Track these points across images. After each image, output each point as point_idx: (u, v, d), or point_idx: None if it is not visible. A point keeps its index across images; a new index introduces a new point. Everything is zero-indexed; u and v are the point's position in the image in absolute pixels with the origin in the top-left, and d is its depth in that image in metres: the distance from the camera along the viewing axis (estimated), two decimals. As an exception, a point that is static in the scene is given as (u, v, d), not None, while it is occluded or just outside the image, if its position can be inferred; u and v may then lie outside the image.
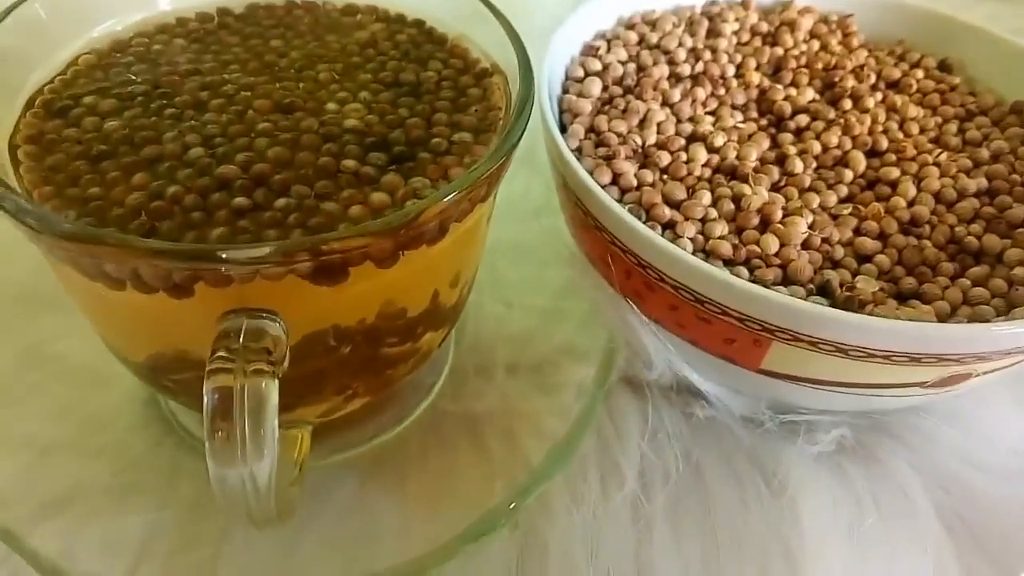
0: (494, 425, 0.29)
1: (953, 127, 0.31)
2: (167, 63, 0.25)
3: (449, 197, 0.19)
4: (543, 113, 0.26)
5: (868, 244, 0.26)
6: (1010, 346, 0.21)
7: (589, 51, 0.32)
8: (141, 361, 0.24)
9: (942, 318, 0.24)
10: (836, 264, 0.25)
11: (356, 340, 0.23)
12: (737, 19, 0.34)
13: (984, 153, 0.29)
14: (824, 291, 0.24)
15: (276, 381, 0.19)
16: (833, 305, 0.24)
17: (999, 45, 0.33)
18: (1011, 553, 0.23)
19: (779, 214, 0.25)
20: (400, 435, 0.29)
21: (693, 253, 0.24)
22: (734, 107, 0.31)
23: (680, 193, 0.25)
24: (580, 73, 0.30)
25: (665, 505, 0.24)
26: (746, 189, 0.26)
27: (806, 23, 0.34)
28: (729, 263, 0.24)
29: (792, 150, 0.29)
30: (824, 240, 0.26)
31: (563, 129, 0.29)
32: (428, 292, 0.24)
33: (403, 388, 0.30)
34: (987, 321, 0.23)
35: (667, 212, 0.25)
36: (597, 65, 0.31)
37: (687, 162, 0.27)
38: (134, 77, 0.24)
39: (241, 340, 0.19)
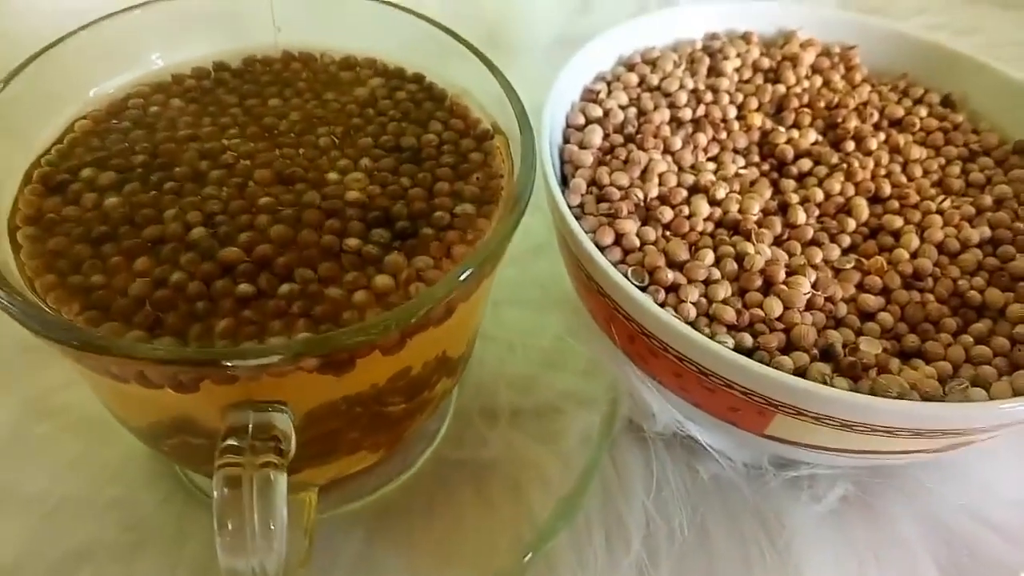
0: (499, 474, 0.29)
1: (956, 168, 0.31)
2: (165, 128, 0.25)
3: (454, 289, 0.19)
4: (545, 173, 0.26)
5: (871, 301, 0.26)
6: (1010, 420, 0.21)
7: (589, 96, 0.31)
8: (142, 427, 0.24)
9: (943, 379, 0.24)
10: (839, 322, 0.25)
11: (367, 402, 0.23)
12: (739, 55, 0.34)
13: (987, 199, 0.29)
14: (827, 355, 0.24)
15: (284, 473, 0.19)
16: (836, 369, 0.24)
17: (1002, 80, 0.32)
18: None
19: (782, 274, 0.25)
20: (405, 484, 0.30)
21: (696, 318, 0.24)
22: (736, 151, 0.31)
23: (683, 253, 0.25)
24: (581, 120, 0.30)
25: (670, 568, 0.24)
26: (749, 248, 0.26)
27: (808, 57, 0.34)
28: (733, 327, 0.24)
29: (795, 198, 0.29)
30: (827, 299, 0.26)
31: (564, 180, 0.29)
32: (436, 354, 0.24)
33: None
34: (989, 384, 0.23)
35: (670, 276, 0.25)
36: (598, 111, 0.30)
37: (689, 216, 0.27)
38: (132, 146, 0.24)
39: (249, 434, 0.19)
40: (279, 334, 0.19)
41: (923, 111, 0.33)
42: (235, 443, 0.19)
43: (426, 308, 0.19)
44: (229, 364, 0.17)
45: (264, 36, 0.29)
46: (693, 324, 0.24)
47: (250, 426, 0.19)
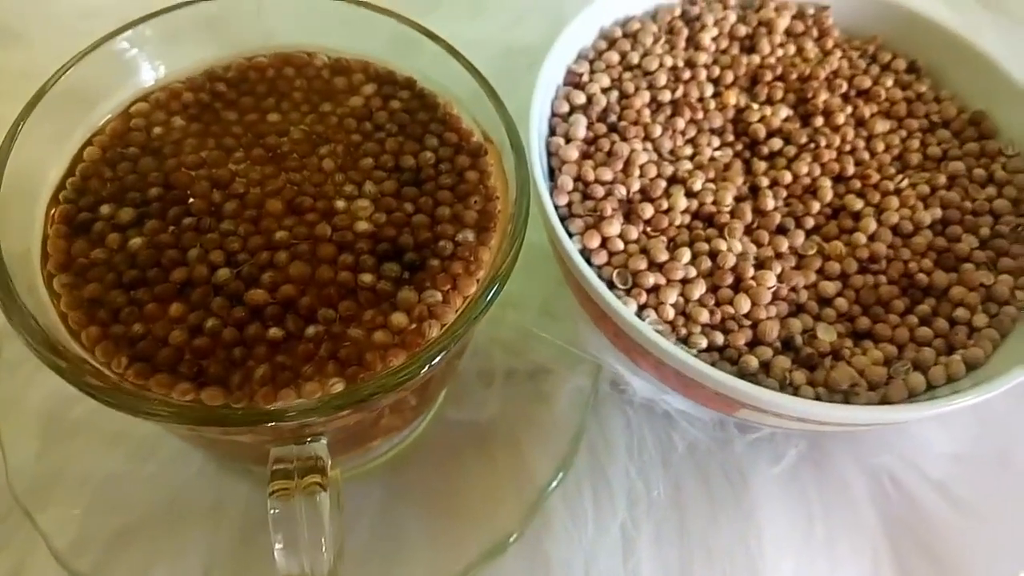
0: (498, 433, 0.33)
1: (916, 142, 0.33)
2: (172, 152, 0.26)
3: (469, 328, 0.22)
4: (537, 187, 0.28)
5: (830, 288, 0.29)
6: (927, 414, 0.25)
7: (572, 79, 0.32)
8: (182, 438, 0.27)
9: (890, 361, 0.27)
10: (800, 308, 0.29)
11: (389, 408, 0.26)
12: (716, 23, 0.34)
13: (941, 178, 0.31)
14: (788, 345, 0.27)
15: (327, 491, 0.22)
16: (796, 360, 0.27)
17: (963, 50, 0.34)
18: (947, 555, 0.28)
19: (751, 270, 0.28)
20: (414, 444, 0.33)
21: (675, 317, 0.27)
22: (712, 131, 0.32)
23: (662, 254, 0.28)
24: (565, 108, 0.31)
25: (649, 524, 0.28)
26: (721, 244, 0.28)
27: (783, 22, 0.35)
28: (707, 325, 0.27)
29: (764, 181, 0.31)
30: (791, 288, 0.28)
31: (551, 172, 0.31)
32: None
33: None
34: (927, 367, 0.27)
35: (651, 279, 0.27)
36: (581, 98, 0.31)
37: (668, 211, 0.29)
38: (143, 176, 0.25)
39: (294, 463, 0.22)
40: (311, 378, 0.22)
41: (889, 80, 0.34)
42: (282, 467, 0.22)
43: (446, 347, 0.22)
44: (271, 424, 0.20)
45: (254, 40, 0.29)
46: (671, 323, 0.27)
47: (294, 456, 0.22)
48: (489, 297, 0.23)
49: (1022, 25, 0.47)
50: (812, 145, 0.32)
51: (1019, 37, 0.46)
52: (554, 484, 0.31)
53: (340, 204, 0.25)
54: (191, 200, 0.25)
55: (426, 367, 0.22)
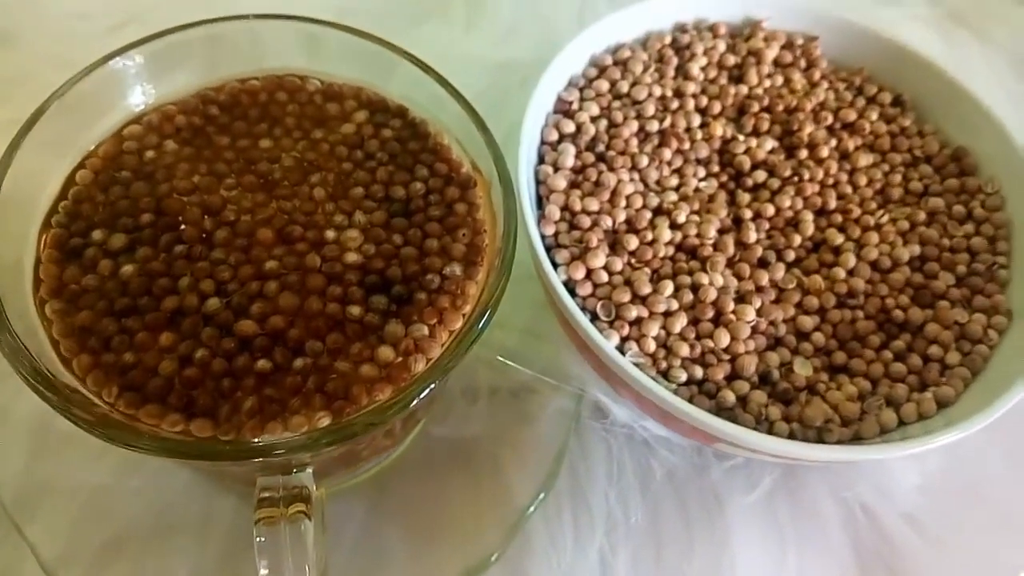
0: (480, 452, 0.34)
1: (898, 177, 0.34)
2: (164, 177, 0.26)
3: (458, 361, 0.23)
4: (522, 212, 0.28)
5: (808, 323, 0.29)
6: (897, 455, 0.26)
7: (562, 107, 0.33)
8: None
9: (864, 396, 0.28)
10: (779, 342, 0.29)
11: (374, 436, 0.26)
12: (706, 52, 0.35)
13: (921, 214, 0.32)
14: (765, 379, 0.28)
15: (311, 520, 0.23)
16: (772, 394, 0.28)
17: (947, 84, 0.34)
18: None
19: (731, 304, 0.29)
20: (398, 461, 0.34)
21: (656, 350, 0.28)
22: (698, 161, 0.33)
23: (645, 287, 0.28)
24: (555, 136, 0.32)
25: (627, 550, 0.29)
26: (703, 278, 0.29)
27: (771, 53, 0.35)
28: (687, 358, 0.28)
29: (748, 214, 0.31)
30: (770, 322, 0.29)
31: (539, 200, 0.31)
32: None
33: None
34: (900, 404, 0.28)
35: (634, 312, 0.28)
36: (570, 127, 0.32)
37: (652, 242, 0.30)
38: (135, 201, 0.26)
39: (280, 492, 0.23)
40: (298, 411, 0.22)
41: (874, 113, 0.35)
42: (268, 495, 0.23)
43: (432, 384, 0.22)
44: (259, 460, 0.21)
45: (246, 63, 0.29)
46: (652, 355, 0.28)
47: (280, 486, 0.23)
48: (476, 333, 0.23)
49: (1014, 58, 0.47)
50: (796, 178, 0.32)
51: (1010, 71, 0.47)
52: (535, 505, 0.31)
53: (330, 234, 0.26)
54: (183, 227, 0.25)
55: (415, 401, 0.22)
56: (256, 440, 0.22)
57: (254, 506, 0.23)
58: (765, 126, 0.34)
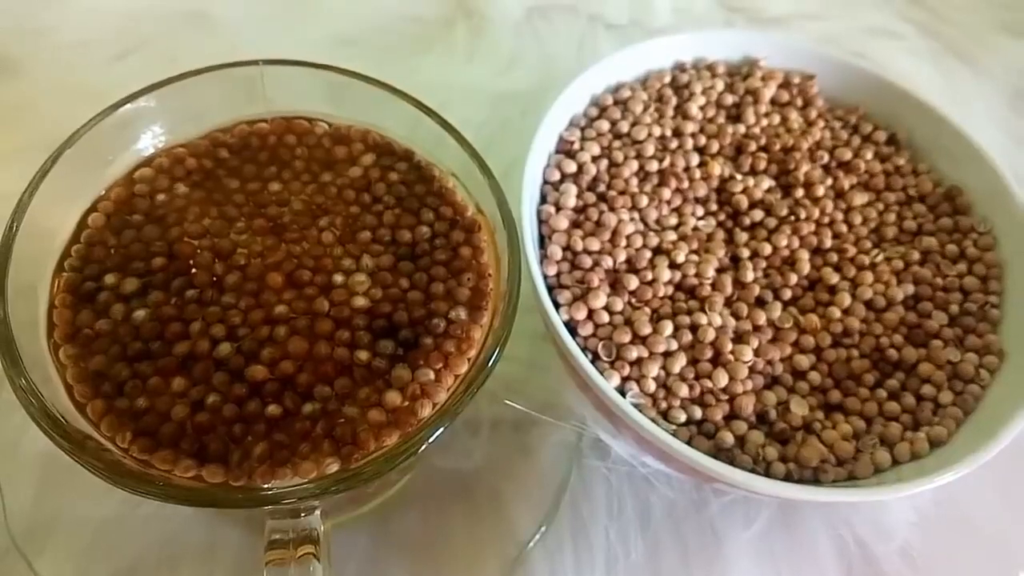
0: (482, 484, 0.34)
1: (893, 215, 0.34)
2: (175, 220, 0.27)
3: (462, 408, 0.23)
4: (526, 257, 0.29)
5: (804, 362, 0.30)
6: (889, 496, 0.26)
7: (563, 147, 0.33)
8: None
9: (859, 434, 0.29)
10: (776, 380, 0.30)
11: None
12: (704, 91, 0.36)
13: (915, 254, 0.33)
14: (763, 419, 0.29)
15: (320, 562, 0.23)
16: (770, 433, 0.28)
17: (940, 123, 0.35)
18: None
19: (729, 345, 0.29)
20: (401, 492, 0.34)
21: (656, 390, 0.28)
22: (696, 200, 0.33)
23: (645, 328, 0.29)
24: (556, 176, 0.33)
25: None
26: (702, 318, 0.29)
27: (769, 92, 0.36)
28: (686, 398, 0.28)
29: (745, 252, 0.32)
30: (767, 362, 0.30)
31: (541, 239, 0.32)
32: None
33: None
34: (894, 443, 0.28)
35: (634, 352, 0.28)
36: (572, 167, 0.33)
37: (652, 282, 0.30)
38: (147, 245, 0.26)
39: (290, 534, 0.23)
40: (307, 457, 0.23)
41: (869, 152, 0.36)
42: (278, 537, 0.23)
43: (440, 429, 0.23)
44: (270, 508, 0.21)
45: (255, 107, 0.30)
46: (652, 396, 0.28)
47: (290, 528, 0.23)
48: (481, 379, 0.24)
49: (1010, 92, 0.48)
50: (792, 217, 0.33)
51: (1006, 104, 0.48)
52: (536, 538, 0.32)
53: (338, 278, 0.26)
54: (194, 271, 0.26)
55: (423, 447, 0.23)
56: (267, 487, 0.22)
57: (264, 547, 0.23)
58: (762, 165, 0.34)
